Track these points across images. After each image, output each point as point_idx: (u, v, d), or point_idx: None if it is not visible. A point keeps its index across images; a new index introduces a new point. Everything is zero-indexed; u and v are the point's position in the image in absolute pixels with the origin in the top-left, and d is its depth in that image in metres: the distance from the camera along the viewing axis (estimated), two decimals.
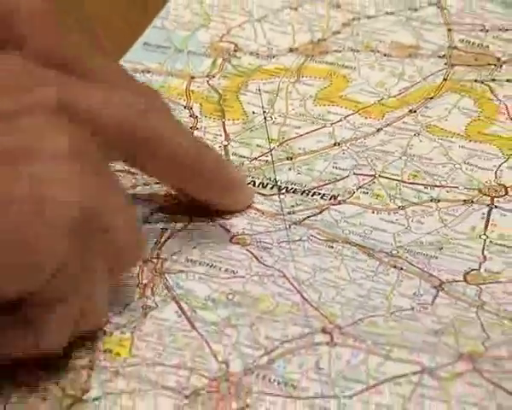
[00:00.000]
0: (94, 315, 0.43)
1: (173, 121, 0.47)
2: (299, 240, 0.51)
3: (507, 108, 0.57)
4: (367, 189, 0.54)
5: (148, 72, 0.59)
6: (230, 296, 0.49)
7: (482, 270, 0.50)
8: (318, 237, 0.52)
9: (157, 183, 0.53)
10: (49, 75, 0.43)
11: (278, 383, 0.45)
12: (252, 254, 0.51)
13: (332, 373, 0.46)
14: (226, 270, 0.50)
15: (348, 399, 0.44)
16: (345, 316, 0.48)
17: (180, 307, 0.48)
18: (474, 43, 0.60)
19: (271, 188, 0.54)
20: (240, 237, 0.52)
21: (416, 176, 0.54)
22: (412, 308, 0.48)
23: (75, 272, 0.39)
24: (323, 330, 0.47)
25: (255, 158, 0.55)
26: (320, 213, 0.53)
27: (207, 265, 0.50)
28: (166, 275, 0.50)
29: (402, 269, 0.50)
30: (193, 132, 0.50)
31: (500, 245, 0.51)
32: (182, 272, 0.50)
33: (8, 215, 0.38)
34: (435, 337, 0.47)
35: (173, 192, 0.53)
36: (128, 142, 0.44)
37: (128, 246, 0.43)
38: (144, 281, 0.49)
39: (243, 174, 0.51)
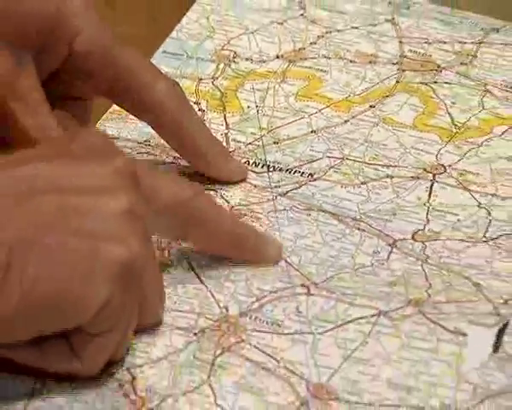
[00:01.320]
0: (123, 350, 0.42)
1: (217, 205, 0.46)
2: (284, 209, 0.51)
3: (445, 105, 0.56)
4: (337, 168, 0.53)
5: (166, 73, 0.57)
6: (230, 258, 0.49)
7: (426, 230, 0.50)
8: (298, 207, 0.51)
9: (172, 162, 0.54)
10: (120, 150, 0.42)
11: (267, 323, 0.45)
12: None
13: (309, 316, 0.46)
14: None
15: (321, 335, 0.45)
16: (319, 274, 0.48)
17: (191, 266, 0.48)
18: (419, 53, 0.59)
19: (262, 166, 0.53)
20: (237, 207, 0.51)
21: (374, 158, 0.54)
22: (372, 264, 0.48)
23: (115, 311, 0.39)
24: (302, 285, 0.47)
25: (249, 143, 0.55)
26: (300, 187, 0.53)
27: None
28: (180, 241, 0.49)
29: (364, 231, 0.50)
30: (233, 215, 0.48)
31: (440, 211, 0.51)
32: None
33: (65, 260, 0.37)
34: (389, 288, 0.47)
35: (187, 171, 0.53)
36: (181, 220, 0.44)
37: (155, 297, 0.43)
38: (162, 245, 0.49)
39: (279, 248, 0.48)
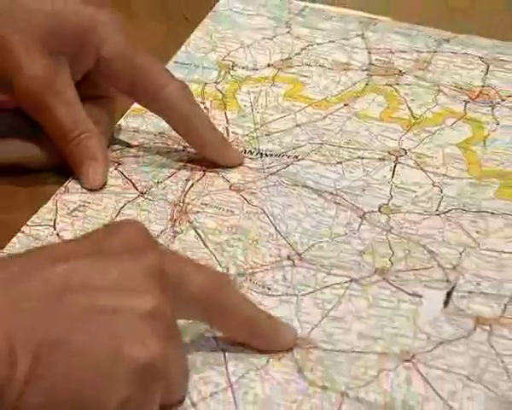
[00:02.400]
0: None
1: (241, 295, 0.42)
2: (274, 185, 0.51)
3: (406, 101, 0.56)
4: (317, 151, 0.53)
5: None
6: (230, 228, 0.48)
7: (390, 204, 0.50)
8: (286, 182, 0.51)
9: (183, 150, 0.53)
10: (154, 242, 0.39)
11: (259, 286, 0.45)
12: (243, 197, 0.50)
13: (293, 282, 0.45)
14: (227, 210, 0.49)
15: (303, 296, 0.44)
16: (302, 244, 0.47)
17: (197, 233, 0.48)
18: (384, 61, 0.59)
19: (256, 154, 0.53)
20: (235, 185, 0.51)
21: (348, 143, 0.54)
22: (345, 234, 0.48)
23: (134, 406, 0.36)
24: (288, 258, 0.47)
25: (246, 134, 0.54)
26: (287, 166, 0.52)
27: (215, 207, 0.49)
28: (189, 214, 0.49)
29: (339, 204, 0.50)
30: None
31: (401, 188, 0.51)
32: (198, 212, 0.49)
33: (90, 360, 0.34)
34: (359, 257, 0.47)
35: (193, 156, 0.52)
36: (208, 309, 0.40)
37: (178, 381, 0.39)
38: (175, 217, 0.49)
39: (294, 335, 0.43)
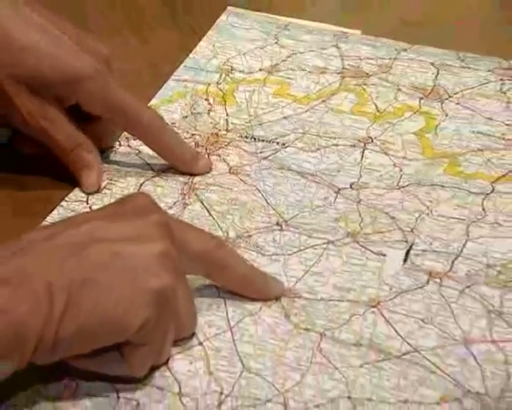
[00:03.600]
0: (163, 357, 0.38)
1: (235, 254, 0.42)
2: (265, 168, 0.50)
3: (372, 98, 0.55)
4: (300, 140, 0.52)
5: (186, 81, 0.57)
6: (229, 200, 0.48)
7: (359, 182, 0.49)
8: (275, 166, 0.50)
9: (190, 137, 0.52)
10: (160, 208, 0.39)
11: (253, 246, 0.45)
12: (240, 179, 0.49)
13: (281, 243, 0.45)
14: (227, 188, 0.49)
15: (289, 256, 0.44)
16: (289, 213, 0.47)
17: (203, 205, 0.47)
18: (354, 66, 0.58)
19: (250, 139, 0.52)
20: (234, 168, 0.50)
21: (325, 133, 0.53)
22: (323, 205, 0.47)
23: (153, 328, 0.36)
24: (277, 224, 0.46)
25: (242, 124, 0.53)
26: (276, 153, 0.51)
27: (217, 185, 0.49)
28: (196, 190, 0.48)
29: (318, 183, 0.49)
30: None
31: (368, 169, 0.50)
32: (204, 188, 0.48)
33: (112, 292, 0.34)
34: (335, 223, 0.46)
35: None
36: (207, 265, 0.40)
37: (187, 317, 0.39)
38: (184, 192, 0.48)
39: (281, 287, 0.42)
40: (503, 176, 0.49)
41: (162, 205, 0.46)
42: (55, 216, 0.47)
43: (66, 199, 0.48)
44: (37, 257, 0.34)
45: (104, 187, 0.49)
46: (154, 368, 0.37)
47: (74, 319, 0.33)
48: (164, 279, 0.35)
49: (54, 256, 0.34)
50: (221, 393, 0.37)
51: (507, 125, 0.53)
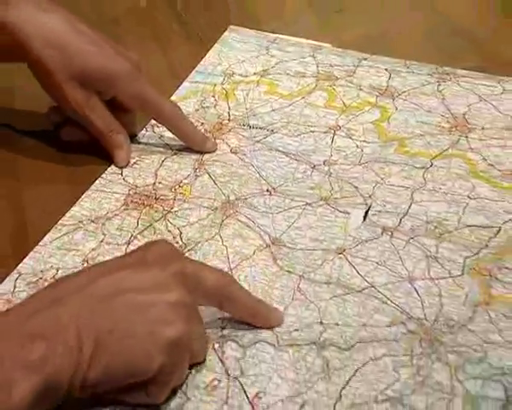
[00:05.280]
0: (179, 383, 0.34)
1: (243, 289, 0.37)
2: (258, 150, 0.49)
3: (340, 96, 0.54)
4: (285, 127, 0.51)
5: (197, 82, 0.55)
6: (230, 173, 0.47)
7: (330, 160, 0.48)
8: (266, 147, 0.49)
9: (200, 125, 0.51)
10: (178, 253, 0.35)
11: (248, 205, 0.44)
12: (239, 157, 0.48)
13: (270, 204, 0.44)
14: (229, 164, 0.47)
15: (276, 214, 0.43)
16: (276, 182, 0.46)
17: (210, 176, 0.46)
18: (326, 71, 0.56)
19: (247, 127, 0.51)
20: (233, 149, 0.49)
21: (304, 122, 0.51)
22: (303, 177, 0.46)
23: (170, 369, 0.32)
24: (267, 190, 0.45)
25: (240, 115, 0.52)
26: (266, 137, 0.50)
27: (221, 162, 0.48)
28: (205, 165, 0.47)
29: (299, 161, 0.48)
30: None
31: (337, 150, 0.49)
32: (211, 164, 0.47)
33: (134, 341, 0.31)
34: (311, 190, 0.45)
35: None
36: (219, 299, 0.35)
37: (201, 350, 0.35)
38: (196, 167, 0.47)
39: (280, 315, 0.38)
40: (439, 154, 0.48)
41: (179, 177, 0.46)
42: (98, 186, 0.46)
43: (106, 172, 0.47)
44: (70, 308, 0.30)
45: (135, 162, 0.48)
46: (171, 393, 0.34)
47: (100, 364, 0.30)
48: (178, 328, 0.32)
49: (84, 307, 0.31)
50: (222, 320, 0.37)
51: (442, 116, 0.52)
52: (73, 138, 0.49)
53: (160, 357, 0.31)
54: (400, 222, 0.43)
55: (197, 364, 0.34)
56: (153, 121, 0.50)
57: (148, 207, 0.44)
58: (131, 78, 0.46)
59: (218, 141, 0.50)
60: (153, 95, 0.47)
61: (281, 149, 0.49)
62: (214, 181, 0.46)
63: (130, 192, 0.45)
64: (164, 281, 0.32)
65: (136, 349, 0.31)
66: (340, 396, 0.33)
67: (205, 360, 0.35)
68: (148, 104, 0.47)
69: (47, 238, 0.41)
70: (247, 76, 0.56)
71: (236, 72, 0.57)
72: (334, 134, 0.50)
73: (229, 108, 0.53)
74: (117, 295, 0.31)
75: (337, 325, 0.37)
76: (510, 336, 0.36)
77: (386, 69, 0.57)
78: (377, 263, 0.40)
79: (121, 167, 0.47)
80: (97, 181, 0.46)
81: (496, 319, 0.37)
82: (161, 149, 0.49)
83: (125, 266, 0.33)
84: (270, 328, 0.36)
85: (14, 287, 0.38)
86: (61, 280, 0.32)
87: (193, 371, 0.34)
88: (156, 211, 0.43)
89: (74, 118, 0.47)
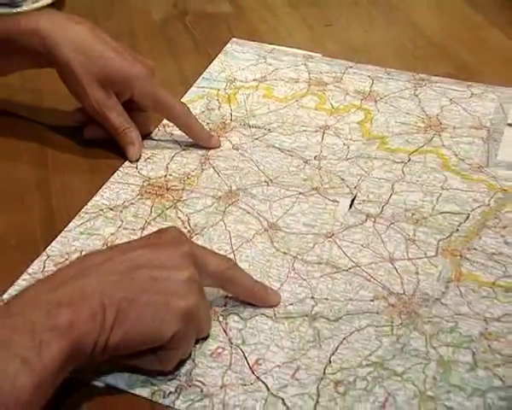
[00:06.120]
0: (187, 354, 0.33)
1: (244, 272, 0.36)
2: (257, 146, 0.48)
3: (329, 99, 0.53)
4: (281, 127, 0.50)
5: (203, 87, 0.55)
6: (232, 167, 0.46)
7: (320, 155, 0.47)
8: (264, 145, 0.48)
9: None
10: (187, 238, 0.35)
11: (249, 194, 0.43)
12: (240, 153, 0.47)
13: (267, 193, 0.43)
14: (231, 159, 0.47)
15: (274, 202, 0.43)
16: (273, 175, 0.45)
17: (215, 170, 0.46)
18: (317, 78, 0.56)
19: (247, 126, 0.50)
20: (235, 146, 0.48)
21: (298, 122, 0.51)
22: (297, 170, 0.46)
23: (181, 338, 0.31)
24: (265, 181, 0.44)
25: (241, 116, 0.51)
26: (264, 135, 0.49)
27: (224, 157, 0.47)
28: (210, 160, 0.46)
29: (293, 156, 0.47)
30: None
31: (327, 147, 0.48)
32: (215, 159, 0.47)
33: (151, 310, 0.30)
34: (304, 181, 0.45)
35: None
36: (221, 281, 0.35)
37: (206, 324, 0.34)
38: (202, 161, 0.46)
39: (278, 297, 0.37)
40: (416, 150, 0.48)
41: (187, 170, 0.46)
42: (116, 177, 0.45)
43: (123, 166, 0.46)
44: (94, 280, 0.30)
45: (148, 157, 0.47)
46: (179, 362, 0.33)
47: (121, 330, 0.30)
48: (190, 300, 0.31)
49: (106, 279, 0.30)
50: (224, 297, 0.36)
51: (418, 117, 0.51)
52: (95, 136, 0.48)
53: (173, 325, 0.31)
54: (382, 210, 0.43)
55: (202, 339, 0.34)
56: (164, 121, 0.50)
57: (160, 197, 0.43)
58: (147, 80, 0.46)
59: (221, 138, 0.49)
60: (165, 96, 0.47)
61: (277, 145, 0.48)
62: (218, 173, 0.46)
63: (144, 183, 0.45)
64: (177, 260, 0.32)
65: (153, 318, 0.30)
66: (330, 361, 0.33)
67: (209, 335, 0.34)
68: (160, 104, 0.47)
69: (71, 224, 0.41)
70: (247, 82, 0.55)
71: (238, 78, 0.56)
72: (324, 133, 0.50)
73: (231, 109, 0.52)
74: (136, 270, 0.31)
75: (327, 299, 0.36)
76: (478, 308, 0.36)
77: (369, 76, 0.56)
78: (362, 245, 0.40)
79: (134, 162, 0.47)
80: (115, 174, 0.46)
81: (465, 293, 0.36)
82: (172, 146, 0.48)
83: (142, 246, 0.32)
84: (268, 307, 0.36)
85: (44, 267, 0.38)
86: (86, 256, 0.32)
87: (200, 341, 0.34)
88: (167, 200, 0.43)
89: (95, 117, 0.47)
